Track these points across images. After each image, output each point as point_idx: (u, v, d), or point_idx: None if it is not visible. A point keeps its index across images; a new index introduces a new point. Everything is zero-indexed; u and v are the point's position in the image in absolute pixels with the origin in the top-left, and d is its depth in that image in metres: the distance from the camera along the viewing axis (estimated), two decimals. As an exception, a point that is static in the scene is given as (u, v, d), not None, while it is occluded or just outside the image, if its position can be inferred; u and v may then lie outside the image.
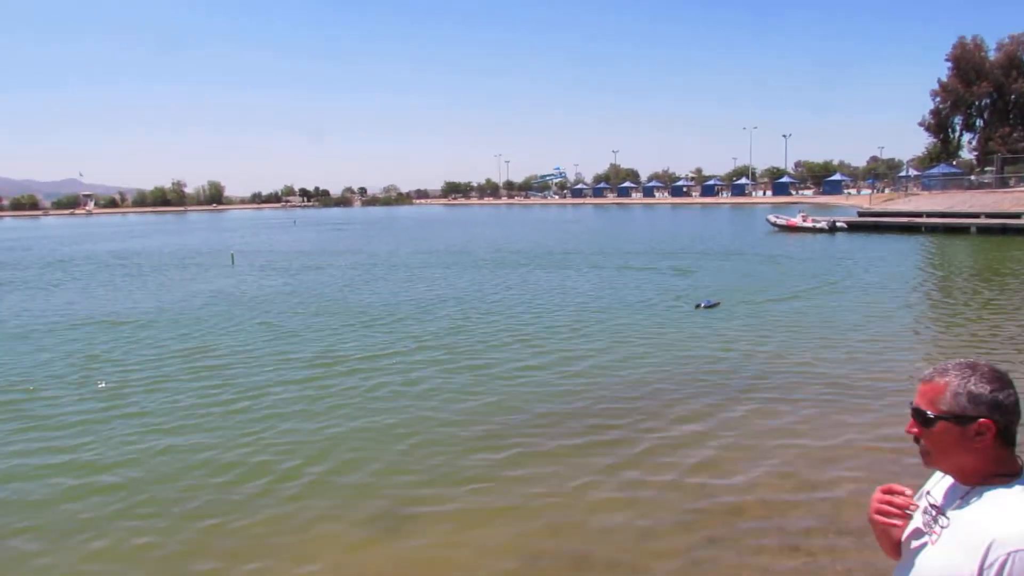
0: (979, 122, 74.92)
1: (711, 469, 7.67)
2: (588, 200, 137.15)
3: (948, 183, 62.40)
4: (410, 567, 6.09)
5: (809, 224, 44.21)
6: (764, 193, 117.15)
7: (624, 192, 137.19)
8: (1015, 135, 69.10)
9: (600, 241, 42.53)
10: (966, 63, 71.13)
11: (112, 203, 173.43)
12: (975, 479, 1.82)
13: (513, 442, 8.62)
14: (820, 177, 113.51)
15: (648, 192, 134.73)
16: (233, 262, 33.53)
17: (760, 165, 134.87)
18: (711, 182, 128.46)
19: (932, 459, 1.89)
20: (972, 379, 1.80)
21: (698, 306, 17.12)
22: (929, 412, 1.84)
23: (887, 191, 79.18)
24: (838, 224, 43.52)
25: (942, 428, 1.82)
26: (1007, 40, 71.43)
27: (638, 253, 33.52)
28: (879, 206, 52.35)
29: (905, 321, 16.00)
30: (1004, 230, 37.20)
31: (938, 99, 74.37)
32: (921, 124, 77.52)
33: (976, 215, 40.14)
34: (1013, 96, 70.98)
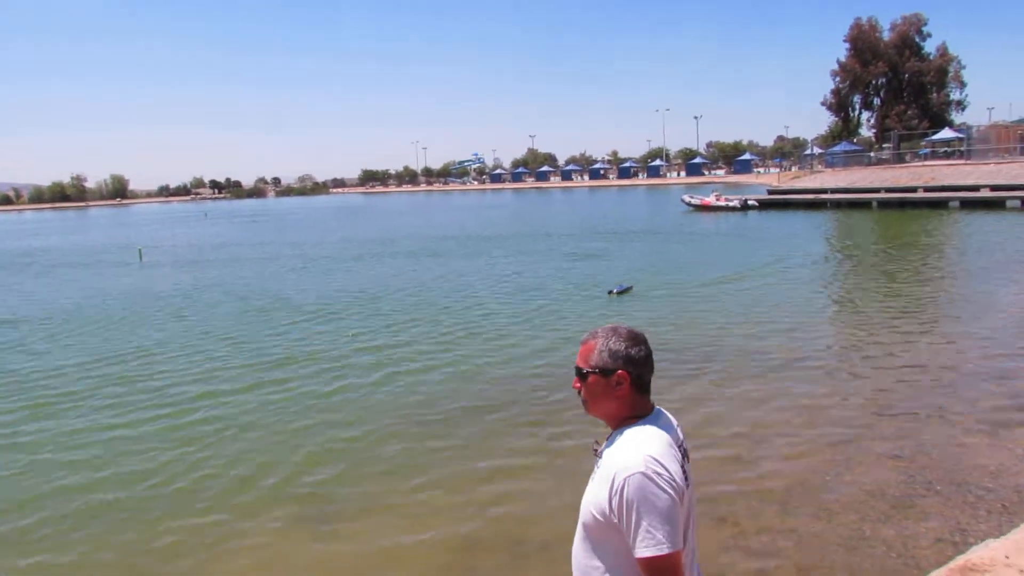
0: (876, 100, 78.44)
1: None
2: (507, 185, 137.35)
3: (850, 160, 65.11)
4: (341, 565, 5.96)
5: (722, 203, 45.52)
6: (678, 174, 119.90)
7: (543, 176, 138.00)
8: (909, 112, 72.75)
9: (518, 226, 42.66)
10: (863, 44, 74.30)
11: (6, 200, 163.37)
12: (617, 422, 2.20)
13: (437, 433, 8.55)
14: (731, 157, 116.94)
15: (566, 176, 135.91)
16: (141, 258, 32.11)
17: (674, 147, 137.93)
18: (627, 164, 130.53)
19: (589, 407, 2.25)
20: (612, 339, 2.19)
21: (611, 292, 16.98)
22: (583, 368, 2.21)
23: (794, 169, 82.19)
24: (749, 202, 44.95)
25: (593, 380, 2.19)
26: (899, 21, 74.96)
27: (556, 236, 33.78)
28: (787, 184, 54.27)
29: (817, 292, 16.66)
30: (902, 204, 39.19)
31: (838, 79, 77.47)
32: (823, 103, 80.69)
33: (877, 190, 42.11)
34: (907, 75, 74.55)
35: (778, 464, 7.17)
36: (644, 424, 2.16)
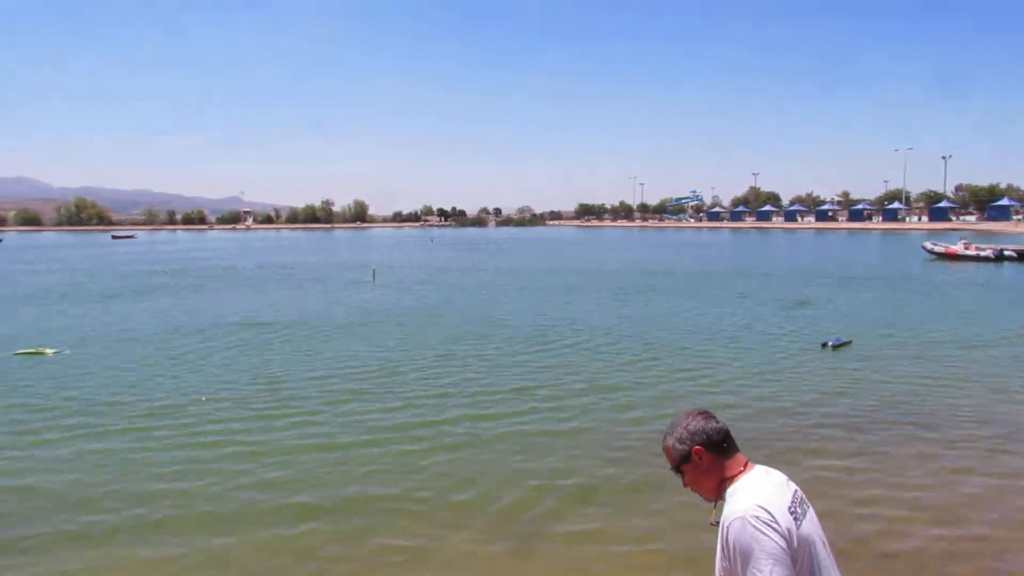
0: None
1: (859, 513, 7.21)
2: (725, 224, 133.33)
3: None
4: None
5: (972, 252, 40.89)
6: (919, 219, 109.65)
7: (764, 216, 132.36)
8: None
9: (734, 265, 41.17)
10: None
11: (268, 219, 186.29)
12: (723, 490, 2.39)
13: (644, 472, 8.49)
14: (985, 202, 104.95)
15: (790, 216, 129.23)
16: (374, 278, 35.10)
17: (915, 189, 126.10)
18: (859, 206, 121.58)
19: (704, 495, 2.49)
20: (672, 434, 2.45)
21: (825, 345, 15.42)
22: (673, 468, 2.51)
23: (1065, 218, 71.93)
24: (1006, 253, 39.97)
25: (685, 470, 2.46)
26: None
27: (774, 277, 32.14)
28: (1055, 234, 47.64)
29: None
30: None
31: None
32: (1107, 145, 70.11)
33: None
34: None
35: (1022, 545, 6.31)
36: (747, 476, 2.37)
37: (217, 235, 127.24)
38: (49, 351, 15.85)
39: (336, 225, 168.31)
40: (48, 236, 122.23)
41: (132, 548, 6.69)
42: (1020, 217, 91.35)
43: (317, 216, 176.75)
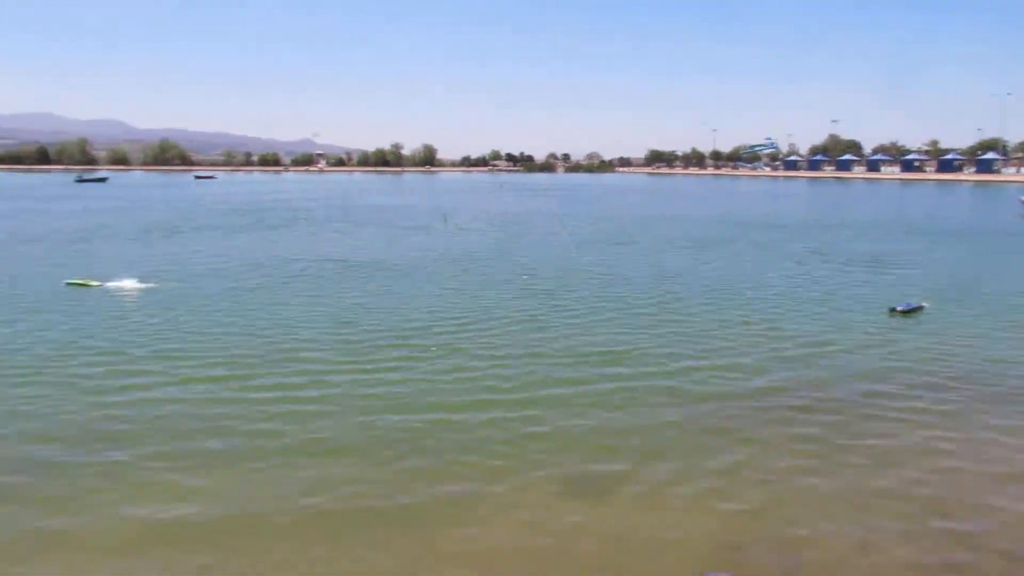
0: None
1: (933, 481, 7.19)
2: (802, 173, 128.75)
3: None
4: (601, 529, 6.35)
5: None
6: (1018, 170, 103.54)
7: (844, 166, 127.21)
8: None
9: (810, 218, 39.86)
10: None
11: (340, 162, 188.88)
12: None
13: (713, 428, 8.60)
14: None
15: (873, 166, 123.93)
16: (447, 223, 35.43)
17: (1014, 138, 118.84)
18: (949, 156, 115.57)
19: None
20: None
21: (894, 310, 14.56)
22: None
23: None
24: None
25: None
26: None
27: (849, 229, 30.95)
28: None
29: None
30: None
31: None
32: None
33: None
34: None
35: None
36: None
37: (293, 177, 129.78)
38: (94, 283, 17.34)
39: (406, 168, 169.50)
40: (137, 175, 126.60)
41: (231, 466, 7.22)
42: None
43: (387, 160, 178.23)
